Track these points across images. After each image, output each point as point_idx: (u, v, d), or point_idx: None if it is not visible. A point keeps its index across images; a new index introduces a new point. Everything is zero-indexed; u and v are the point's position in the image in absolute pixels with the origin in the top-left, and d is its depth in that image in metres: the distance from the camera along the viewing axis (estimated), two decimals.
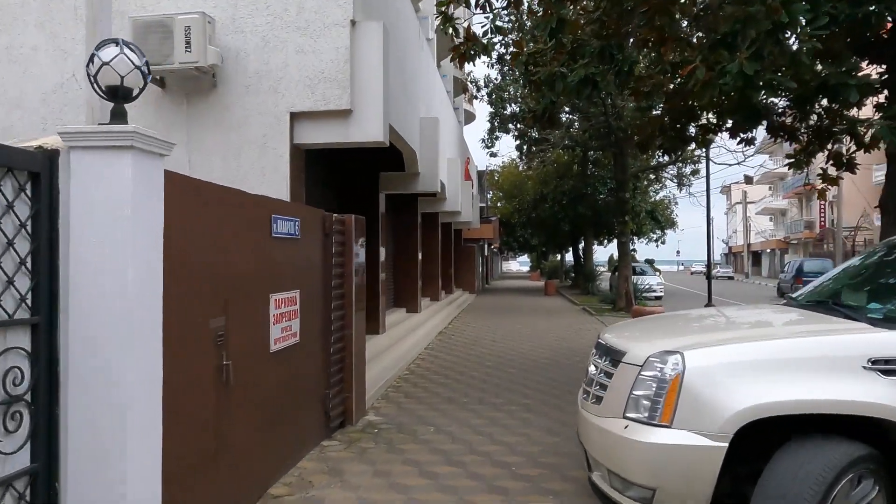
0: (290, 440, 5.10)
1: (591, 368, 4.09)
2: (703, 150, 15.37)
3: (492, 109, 19.19)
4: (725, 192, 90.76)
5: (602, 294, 29.09)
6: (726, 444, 3.13)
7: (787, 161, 11.07)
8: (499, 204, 40.53)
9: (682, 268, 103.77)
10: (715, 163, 19.15)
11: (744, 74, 5.65)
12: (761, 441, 3.26)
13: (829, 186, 10.22)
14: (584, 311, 20.84)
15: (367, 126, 6.57)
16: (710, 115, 10.89)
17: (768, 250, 61.12)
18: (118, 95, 3.04)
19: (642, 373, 3.43)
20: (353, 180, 11.03)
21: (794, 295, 4.96)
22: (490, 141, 19.35)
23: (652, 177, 22.51)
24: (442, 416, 6.84)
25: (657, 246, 33.28)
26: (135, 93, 3.12)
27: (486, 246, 39.46)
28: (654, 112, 10.91)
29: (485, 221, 31.48)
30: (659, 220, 30.43)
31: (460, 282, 28.82)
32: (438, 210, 15.97)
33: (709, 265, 13.00)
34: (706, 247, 14.88)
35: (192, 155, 6.63)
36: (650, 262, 46.98)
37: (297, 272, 5.26)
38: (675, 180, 22.36)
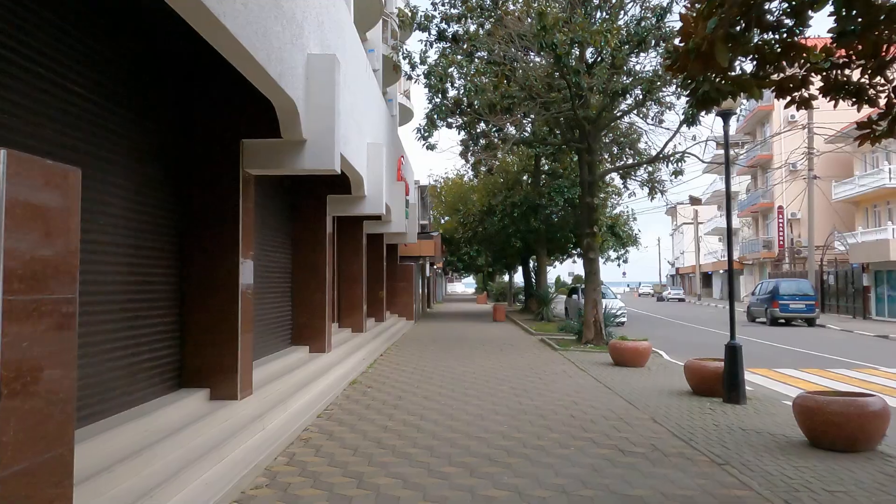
0: None
1: None
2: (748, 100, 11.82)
3: (428, 93, 15.31)
4: (671, 213, 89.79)
5: (559, 321, 25.43)
6: None
7: (860, 133, 7.49)
8: (442, 220, 36.70)
9: (628, 289, 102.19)
10: (702, 160, 15.78)
11: None
12: None
13: None
14: (542, 343, 17.01)
15: None
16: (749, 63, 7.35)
17: (721, 271, 59.15)
18: None
19: None
20: (201, 151, 6.87)
21: None
22: (427, 130, 15.44)
23: (620, 182, 19.09)
24: None
25: (619, 265, 30.03)
26: None
27: (427, 265, 35.51)
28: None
29: (424, 237, 27.53)
30: (620, 236, 27.14)
31: (395, 306, 24.71)
32: (359, 213, 11.91)
33: (731, 282, 9.27)
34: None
35: None
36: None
37: None
38: (647, 185, 18.95)
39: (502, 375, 11.09)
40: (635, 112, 18.09)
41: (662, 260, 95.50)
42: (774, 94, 7.88)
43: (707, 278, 64.44)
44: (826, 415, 6.14)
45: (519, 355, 14.19)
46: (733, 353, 8.71)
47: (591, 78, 14.52)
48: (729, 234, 9.51)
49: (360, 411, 8.07)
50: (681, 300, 59.38)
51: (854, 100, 7.41)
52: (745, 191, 51.48)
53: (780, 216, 42.12)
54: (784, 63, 7.04)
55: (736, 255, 53.38)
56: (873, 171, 36.05)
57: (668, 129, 16.27)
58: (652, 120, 18.15)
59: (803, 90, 7.37)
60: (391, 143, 16.16)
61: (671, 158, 15.28)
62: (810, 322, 25.62)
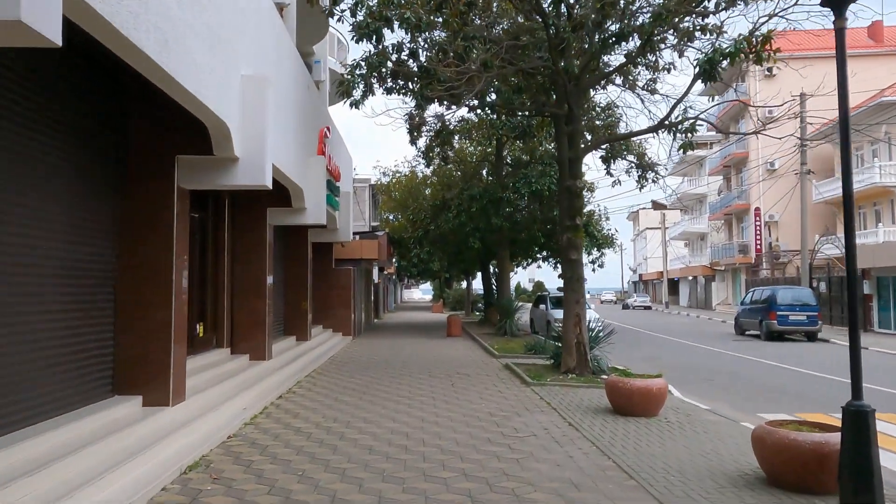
0: None
1: None
2: None
3: (354, 35, 11.12)
4: (633, 217, 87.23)
5: (525, 335, 21.52)
6: None
7: None
8: (392, 219, 32.52)
9: (589, 296, 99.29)
10: (720, 130, 12.08)
11: None
12: None
13: None
14: (508, 370, 13.02)
15: None
16: None
17: (690, 277, 56.31)
18: None
19: None
20: None
21: None
22: (352, 81, 11.23)
23: (602, 166, 15.31)
24: None
25: (593, 270, 26.31)
26: None
27: (376, 270, 31.21)
28: None
29: (367, 237, 23.36)
30: (595, 236, 23.40)
31: (329, 319, 20.48)
32: (229, 184, 7.66)
33: (853, 302, 5.30)
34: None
35: None
36: (562, 289, 39.96)
37: None
38: (638, 169, 15.22)
39: (449, 440, 7.02)
40: (621, 80, 14.37)
41: (624, 266, 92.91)
42: None
43: (674, 285, 61.63)
44: None
45: (477, 394, 10.15)
46: (863, 426, 4.82)
47: (574, 12, 10.65)
48: (849, 213, 5.56)
49: None
50: (647, 308, 56.32)
51: None
52: (716, 192, 48.61)
53: (758, 218, 39.21)
54: None
55: (706, 261, 50.59)
56: (860, 168, 33.33)
57: (667, 95, 12.64)
58: (644, 87, 14.44)
59: None
60: (308, 104, 12.02)
61: (678, 127, 11.46)
62: (811, 336, 22.28)
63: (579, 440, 7.09)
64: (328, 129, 13.76)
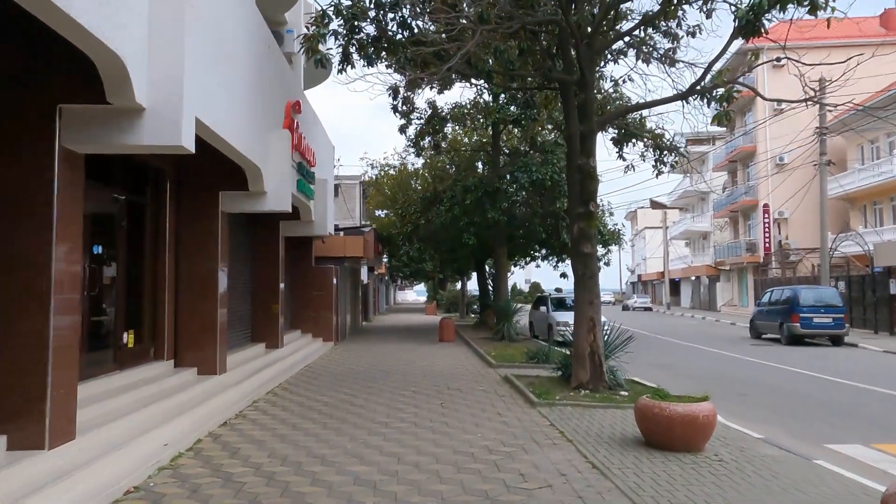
0: None
1: None
2: None
3: None
4: (631, 217, 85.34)
5: (524, 339, 19.62)
6: None
7: None
8: (381, 215, 30.58)
9: None
10: (763, 97, 10.18)
11: None
12: None
13: None
14: (509, 384, 11.08)
15: None
16: None
17: (693, 277, 54.46)
18: None
19: None
20: None
21: None
22: (318, 34, 9.21)
23: (614, 149, 13.39)
24: None
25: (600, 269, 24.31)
26: None
27: (364, 270, 29.22)
28: None
29: (352, 233, 21.43)
30: (601, 232, 21.49)
31: (308, 323, 18.47)
32: (133, 143, 5.68)
33: None
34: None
35: None
36: (559, 290, 38.34)
37: None
38: (653, 153, 13.33)
39: (433, 496, 5.07)
40: (635, 50, 12.49)
41: (622, 266, 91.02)
42: None
43: (675, 285, 59.77)
44: None
45: (472, 418, 8.20)
46: None
47: None
48: None
49: None
50: (647, 309, 54.48)
51: None
52: (720, 189, 46.75)
53: (766, 215, 37.37)
54: None
55: (710, 260, 48.81)
56: (877, 160, 31.59)
57: (692, 63, 10.79)
58: (661, 59, 12.53)
59: None
60: (269, 67, 10.05)
61: (713, 94, 9.56)
62: (836, 340, 20.43)
63: (610, 494, 5.16)
64: (299, 103, 11.83)
